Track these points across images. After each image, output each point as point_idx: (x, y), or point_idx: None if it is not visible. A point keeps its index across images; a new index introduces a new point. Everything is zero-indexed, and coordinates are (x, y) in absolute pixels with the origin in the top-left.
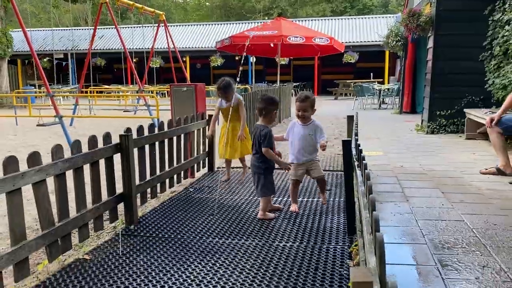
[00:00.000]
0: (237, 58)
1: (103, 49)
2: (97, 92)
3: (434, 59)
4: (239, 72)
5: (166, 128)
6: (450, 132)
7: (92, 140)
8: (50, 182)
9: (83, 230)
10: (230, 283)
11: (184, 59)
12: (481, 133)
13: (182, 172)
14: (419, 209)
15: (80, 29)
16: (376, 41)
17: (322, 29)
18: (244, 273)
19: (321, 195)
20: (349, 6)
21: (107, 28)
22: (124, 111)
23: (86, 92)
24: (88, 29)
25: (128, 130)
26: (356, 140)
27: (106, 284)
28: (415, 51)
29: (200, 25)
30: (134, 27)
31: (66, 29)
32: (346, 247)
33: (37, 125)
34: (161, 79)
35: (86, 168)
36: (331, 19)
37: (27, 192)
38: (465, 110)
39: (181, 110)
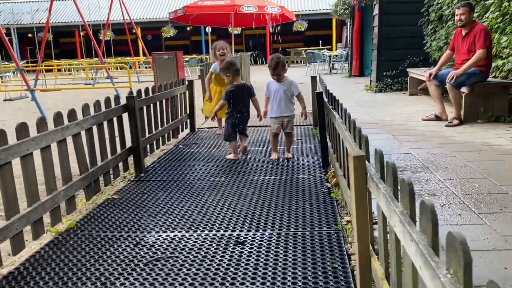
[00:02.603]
0: (188, 28)
1: (51, 22)
2: (57, 66)
3: (380, 25)
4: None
5: (157, 92)
6: (396, 90)
7: (108, 101)
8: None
9: (106, 176)
10: (239, 205)
11: (134, 31)
12: (422, 89)
13: (171, 132)
14: (375, 147)
15: (21, 3)
16: (323, 9)
17: None
18: (248, 198)
19: (286, 152)
20: None
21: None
22: (85, 84)
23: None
24: (30, 2)
25: (131, 92)
26: (328, 90)
27: (141, 211)
28: (362, 18)
29: None
30: None
31: (7, 2)
32: (322, 175)
33: (4, 100)
34: (112, 52)
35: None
36: None
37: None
38: (407, 69)
39: (163, 76)
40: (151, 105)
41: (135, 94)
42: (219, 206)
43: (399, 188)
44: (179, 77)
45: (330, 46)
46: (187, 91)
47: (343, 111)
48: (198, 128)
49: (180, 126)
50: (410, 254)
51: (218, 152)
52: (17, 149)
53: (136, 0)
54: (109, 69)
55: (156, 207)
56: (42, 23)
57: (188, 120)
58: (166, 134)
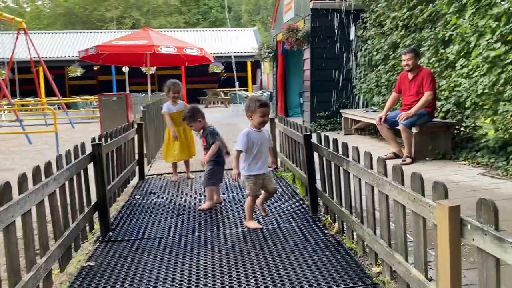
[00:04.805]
0: (96, 68)
1: None
2: None
3: (312, 69)
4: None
5: (114, 137)
6: (329, 130)
7: (76, 150)
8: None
9: (77, 239)
10: (248, 264)
11: (36, 68)
12: (356, 129)
13: (124, 181)
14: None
15: None
16: (238, 52)
17: (185, 39)
18: (252, 255)
19: (263, 209)
20: (201, 18)
21: None
22: None
23: None
24: None
25: (93, 139)
26: (319, 133)
27: (135, 282)
28: (284, 61)
29: (54, 33)
30: None
31: None
32: (316, 222)
33: None
34: (12, 92)
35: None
36: (193, 31)
37: None
38: (341, 111)
39: (111, 120)
40: (109, 152)
41: (97, 140)
42: (224, 267)
43: None
44: (128, 120)
45: (246, 88)
46: (136, 136)
47: (369, 156)
48: (146, 175)
49: (131, 174)
50: None
51: (185, 202)
52: (4, 216)
53: (38, 37)
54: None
55: (150, 275)
56: None
57: (137, 168)
58: (121, 185)
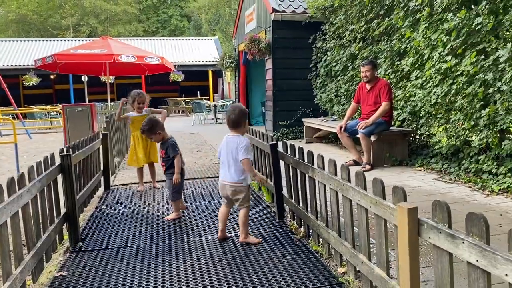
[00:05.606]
0: (52, 76)
1: None
2: None
3: (274, 79)
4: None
5: (81, 148)
6: (291, 139)
7: (46, 161)
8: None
9: (48, 250)
10: (219, 270)
11: None
12: (317, 137)
13: (91, 192)
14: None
15: None
16: (199, 61)
17: (145, 48)
18: (223, 261)
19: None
20: (161, 27)
21: None
22: None
23: None
24: None
25: (62, 150)
26: (285, 142)
27: None
28: (246, 71)
29: (8, 41)
30: None
31: None
32: (283, 227)
33: None
34: None
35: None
36: (154, 39)
37: None
38: (303, 119)
39: (76, 130)
40: (76, 163)
41: (65, 151)
42: (197, 273)
43: None
44: (94, 130)
45: (208, 97)
46: (101, 146)
47: (333, 163)
48: (112, 186)
49: (96, 185)
50: None
51: (153, 211)
52: None
53: None
54: None
55: (124, 283)
56: None
57: (102, 178)
58: (88, 195)
